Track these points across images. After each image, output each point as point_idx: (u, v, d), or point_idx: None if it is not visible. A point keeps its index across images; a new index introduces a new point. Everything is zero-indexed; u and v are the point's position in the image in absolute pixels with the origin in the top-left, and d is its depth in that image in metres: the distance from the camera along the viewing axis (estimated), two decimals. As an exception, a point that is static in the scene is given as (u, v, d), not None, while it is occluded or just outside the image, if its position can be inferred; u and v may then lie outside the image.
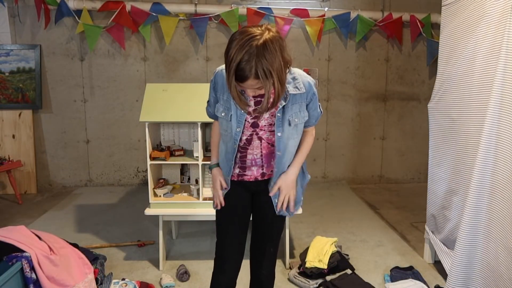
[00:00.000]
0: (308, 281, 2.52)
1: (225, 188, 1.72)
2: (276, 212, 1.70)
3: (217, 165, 1.75)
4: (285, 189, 1.66)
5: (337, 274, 2.54)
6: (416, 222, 3.67)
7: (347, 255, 2.87)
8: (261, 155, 1.65)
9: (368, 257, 2.97)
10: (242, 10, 4.44)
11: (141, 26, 4.42)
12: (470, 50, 2.25)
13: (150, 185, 2.70)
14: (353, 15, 4.56)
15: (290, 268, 2.75)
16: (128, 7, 4.32)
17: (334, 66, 4.83)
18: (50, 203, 4.21)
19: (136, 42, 4.61)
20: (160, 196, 2.76)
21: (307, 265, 2.56)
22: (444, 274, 2.57)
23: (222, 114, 1.59)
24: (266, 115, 1.56)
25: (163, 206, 2.69)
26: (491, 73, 2.04)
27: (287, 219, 2.83)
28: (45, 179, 4.74)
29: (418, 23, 4.62)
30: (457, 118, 2.40)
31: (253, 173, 1.68)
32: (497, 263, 1.96)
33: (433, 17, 4.62)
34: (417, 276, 2.59)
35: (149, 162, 2.66)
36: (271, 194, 1.67)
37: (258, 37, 1.30)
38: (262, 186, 1.71)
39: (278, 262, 2.87)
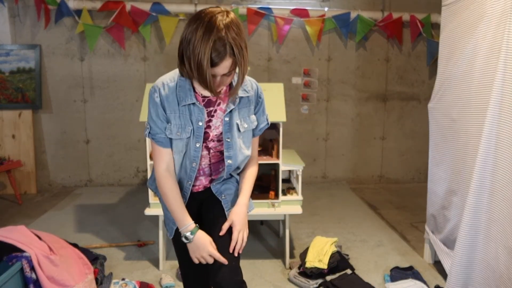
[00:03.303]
0: (308, 281, 2.51)
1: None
2: (230, 250, 1.42)
3: (198, 228, 1.43)
4: (239, 225, 1.43)
5: (337, 274, 2.54)
6: (416, 222, 3.67)
7: (347, 255, 2.87)
8: (209, 164, 1.55)
9: (368, 257, 2.97)
10: (242, 10, 4.44)
11: (141, 26, 4.42)
12: (470, 50, 2.25)
13: (150, 185, 2.69)
14: (353, 15, 4.57)
15: (290, 268, 2.74)
16: (128, 7, 4.32)
17: (334, 66, 4.83)
18: (50, 203, 4.21)
19: (136, 42, 4.61)
20: (160, 196, 2.75)
21: (307, 265, 2.56)
22: (444, 274, 2.57)
23: (178, 134, 1.40)
24: (217, 123, 1.46)
25: (163, 206, 2.68)
26: (491, 73, 2.04)
27: (286, 218, 2.84)
28: (45, 179, 4.74)
29: (418, 23, 4.62)
30: (457, 118, 2.40)
31: (201, 183, 1.57)
32: (497, 263, 1.96)
33: (433, 17, 4.63)
34: (417, 276, 2.59)
35: (149, 162, 2.65)
36: (222, 233, 1.43)
37: (222, 14, 1.26)
38: (210, 192, 1.57)
39: (278, 262, 2.87)
